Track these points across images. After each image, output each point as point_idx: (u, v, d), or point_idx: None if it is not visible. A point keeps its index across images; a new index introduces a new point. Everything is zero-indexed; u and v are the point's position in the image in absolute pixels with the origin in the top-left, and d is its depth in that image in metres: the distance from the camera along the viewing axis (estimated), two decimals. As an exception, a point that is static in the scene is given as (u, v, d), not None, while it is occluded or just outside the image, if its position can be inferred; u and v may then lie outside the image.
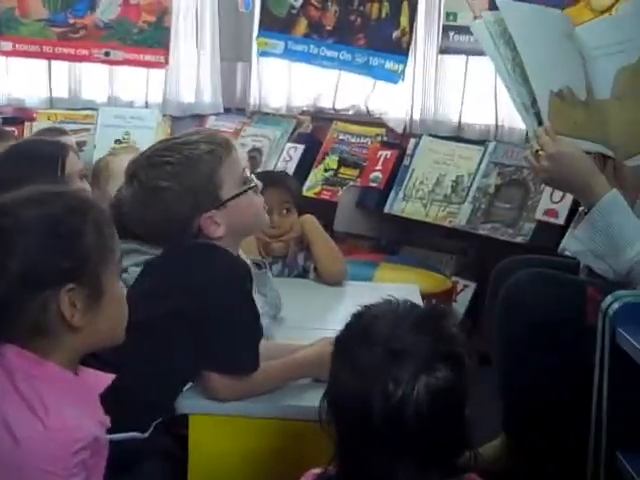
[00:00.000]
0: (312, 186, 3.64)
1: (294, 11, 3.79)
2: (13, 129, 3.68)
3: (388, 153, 3.58)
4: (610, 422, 1.78)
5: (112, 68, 3.93)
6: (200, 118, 3.97)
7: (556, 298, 2.05)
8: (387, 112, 3.67)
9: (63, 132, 3.21)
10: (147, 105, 3.95)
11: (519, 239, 3.12)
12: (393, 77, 3.57)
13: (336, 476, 1.31)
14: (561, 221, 3.03)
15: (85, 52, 3.87)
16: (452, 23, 3.43)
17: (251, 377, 1.67)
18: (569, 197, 2.93)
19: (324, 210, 3.34)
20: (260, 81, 3.92)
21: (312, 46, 3.74)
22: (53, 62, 3.90)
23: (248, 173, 1.80)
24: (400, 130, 3.63)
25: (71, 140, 3.04)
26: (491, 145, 3.38)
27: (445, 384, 1.24)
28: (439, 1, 3.47)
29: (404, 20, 3.52)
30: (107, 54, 3.87)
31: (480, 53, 3.29)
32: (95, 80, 3.95)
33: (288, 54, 3.83)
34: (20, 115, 3.87)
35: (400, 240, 3.55)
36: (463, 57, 3.45)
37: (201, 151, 1.73)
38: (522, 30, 2.01)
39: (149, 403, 1.62)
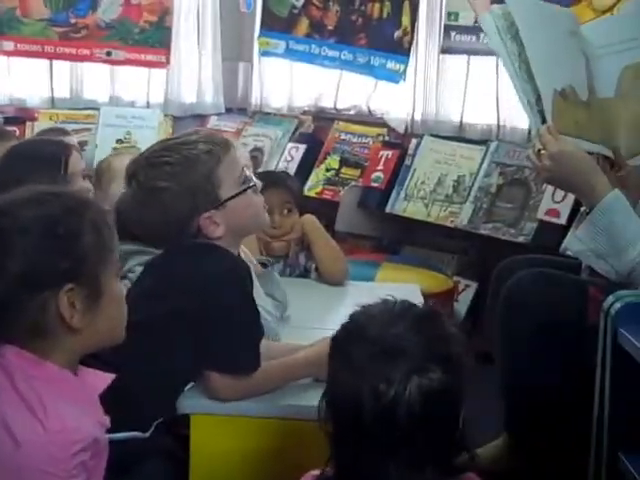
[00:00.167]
0: (313, 186, 3.64)
1: (295, 11, 3.79)
2: (15, 129, 3.68)
3: (389, 153, 3.57)
4: (612, 422, 1.77)
5: (113, 68, 3.93)
6: (202, 118, 3.97)
7: (558, 298, 2.05)
8: (388, 112, 3.66)
9: (65, 132, 3.21)
10: (148, 105, 3.95)
11: (521, 239, 3.11)
12: (394, 77, 3.57)
13: (333, 477, 1.30)
14: (563, 221, 3.03)
15: (86, 52, 3.87)
16: (453, 23, 3.43)
17: (252, 377, 1.67)
18: (571, 197, 2.92)
19: (326, 210, 3.34)
20: (261, 81, 3.92)
21: (313, 46, 3.75)
22: (54, 62, 3.90)
23: (248, 173, 1.80)
24: (402, 130, 3.63)
25: (73, 140, 3.04)
26: (493, 145, 3.37)
27: (439, 385, 1.22)
28: (440, 1, 3.47)
29: (405, 20, 3.52)
30: (109, 54, 3.88)
31: (481, 53, 3.32)
32: (96, 80, 3.95)
33: (289, 54, 3.83)
34: (22, 115, 3.86)
35: (402, 240, 3.55)
36: (465, 57, 3.45)
37: (199, 151, 1.73)
38: (528, 23, 2.00)
39: (149, 403, 1.62)
